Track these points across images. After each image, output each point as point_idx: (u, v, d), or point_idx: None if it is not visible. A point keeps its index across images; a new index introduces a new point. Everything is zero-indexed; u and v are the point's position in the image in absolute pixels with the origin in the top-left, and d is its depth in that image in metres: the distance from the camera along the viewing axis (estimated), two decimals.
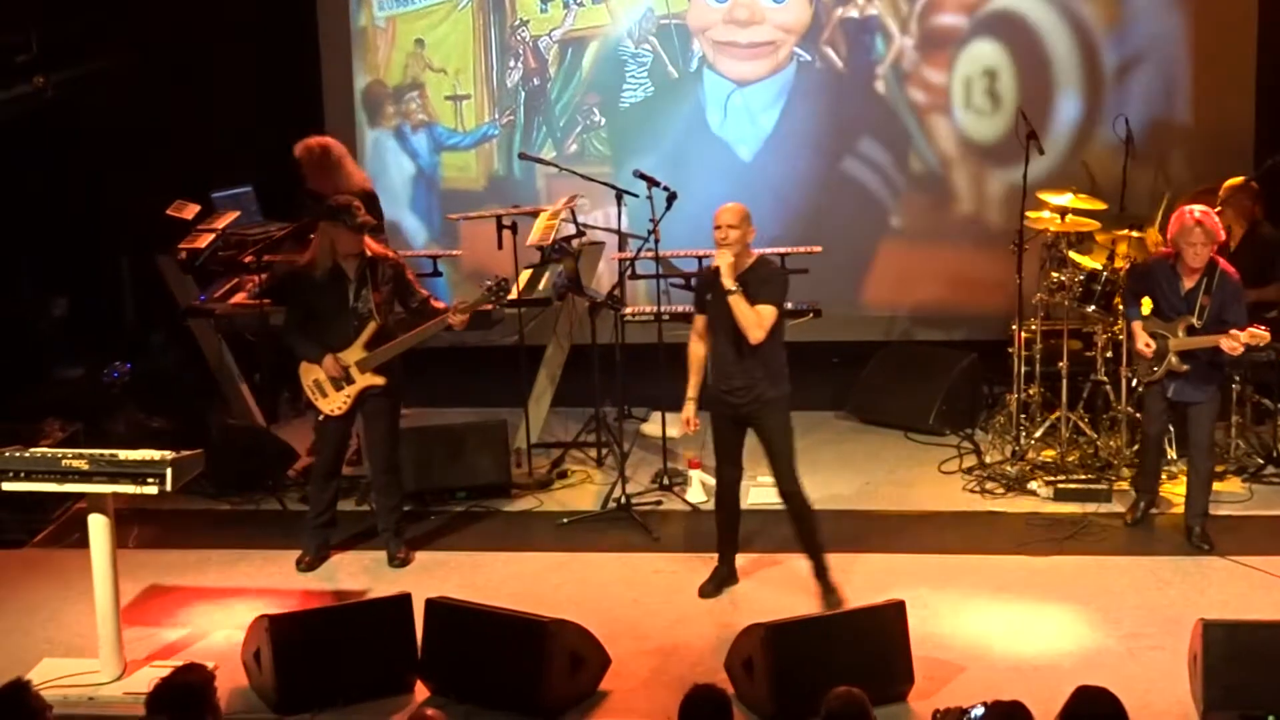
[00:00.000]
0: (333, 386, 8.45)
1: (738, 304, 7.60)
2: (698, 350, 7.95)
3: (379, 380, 8.42)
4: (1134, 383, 8.99)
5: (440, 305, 8.54)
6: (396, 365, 8.55)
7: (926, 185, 11.43)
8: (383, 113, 11.77)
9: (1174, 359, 8.35)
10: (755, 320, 7.62)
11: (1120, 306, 9.08)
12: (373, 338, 8.40)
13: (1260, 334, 8.13)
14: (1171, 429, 9.00)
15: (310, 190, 9.79)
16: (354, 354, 8.39)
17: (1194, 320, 8.30)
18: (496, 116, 11.67)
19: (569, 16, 11.50)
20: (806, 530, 7.94)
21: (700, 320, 7.95)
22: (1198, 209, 8.35)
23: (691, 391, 7.97)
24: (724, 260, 7.63)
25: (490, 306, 8.74)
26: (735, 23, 11.39)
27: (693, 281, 9.64)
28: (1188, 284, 8.34)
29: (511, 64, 11.60)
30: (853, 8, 11.27)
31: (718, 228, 7.68)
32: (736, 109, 11.45)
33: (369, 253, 8.43)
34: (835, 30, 11.32)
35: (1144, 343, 8.42)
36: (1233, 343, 8.11)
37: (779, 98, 11.43)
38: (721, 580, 8.11)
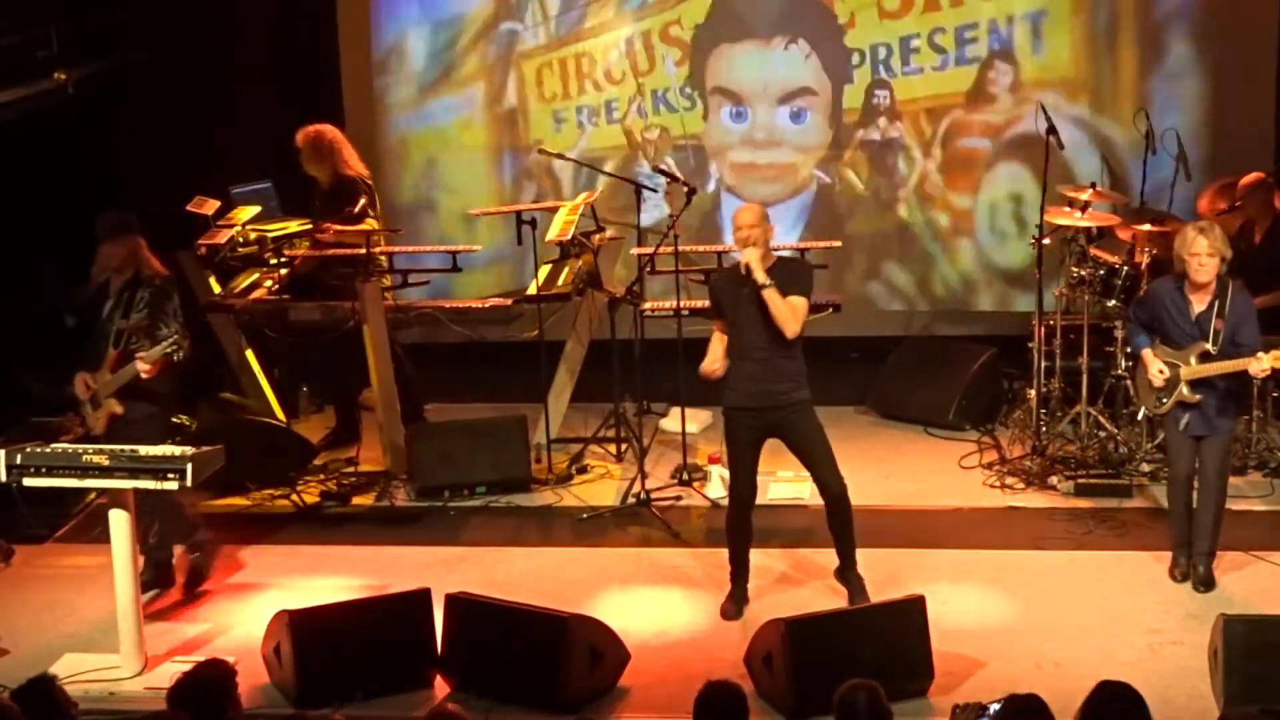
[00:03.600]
0: (90, 405, 8.08)
1: (773, 298, 7.44)
2: (723, 340, 7.76)
3: (117, 409, 7.97)
4: (1140, 415, 8.67)
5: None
6: (154, 393, 8.01)
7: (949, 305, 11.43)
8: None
9: (1185, 389, 7.74)
10: (791, 313, 7.48)
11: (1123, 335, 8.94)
12: (115, 363, 7.96)
13: None
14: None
15: (315, 183, 9.86)
16: (103, 376, 7.99)
17: (1209, 346, 7.68)
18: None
19: (583, 137, 11.46)
20: (846, 529, 7.84)
21: (720, 325, 7.82)
22: (1202, 221, 8.06)
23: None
24: (752, 256, 7.46)
25: (173, 354, 7.82)
26: (753, 144, 11.36)
27: (711, 277, 9.63)
28: (1198, 306, 7.71)
29: (526, 184, 11.58)
30: (874, 129, 11.23)
31: (738, 229, 7.56)
32: None
33: (145, 271, 8.01)
34: (856, 152, 11.29)
35: (1158, 370, 7.80)
36: (1260, 366, 7.51)
37: (800, 219, 11.39)
38: (740, 600, 7.90)
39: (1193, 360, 7.74)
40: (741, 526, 7.88)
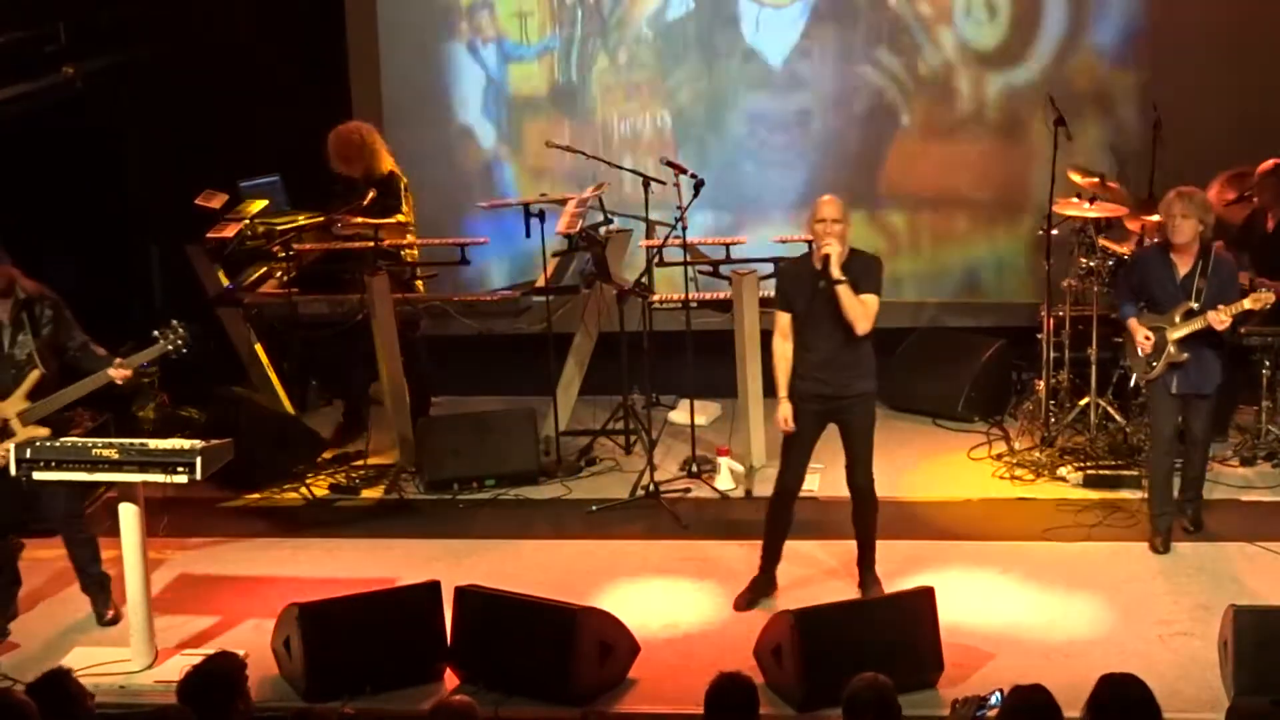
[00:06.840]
0: None
1: (847, 295, 7.44)
2: (786, 349, 7.70)
3: (43, 432, 7.59)
4: (1131, 382, 8.82)
5: (100, 351, 7.76)
6: (65, 413, 7.81)
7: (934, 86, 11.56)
8: (456, 28, 12.05)
9: (1173, 349, 8.02)
10: (864, 311, 7.49)
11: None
12: (36, 387, 7.64)
13: (1264, 296, 7.94)
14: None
15: (341, 177, 9.84)
16: (14, 405, 7.61)
17: (1192, 304, 7.99)
18: (557, 30, 12.00)
19: None
20: (871, 522, 7.88)
21: (785, 319, 7.71)
22: (1185, 187, 8.20)
23: (784, 390, 7.71)
24: (833, 250, 7.45)
25: (165, 353, 7.70)
26: None
27: (721, 269, 9.64)
28: (1182, 270, 8.02)
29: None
30: None
31: (821, 220, 7.50)
32: (768, 19, 11.67)
33: (23, 293, 7.68)
34: None
35: (1144, 336, 8.11)
36: (1220, 316, 7.84)
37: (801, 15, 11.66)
38: (760, 591, 7.92)
39: (1177, 319, 8.02)
40: (786, 513, 7.88)
